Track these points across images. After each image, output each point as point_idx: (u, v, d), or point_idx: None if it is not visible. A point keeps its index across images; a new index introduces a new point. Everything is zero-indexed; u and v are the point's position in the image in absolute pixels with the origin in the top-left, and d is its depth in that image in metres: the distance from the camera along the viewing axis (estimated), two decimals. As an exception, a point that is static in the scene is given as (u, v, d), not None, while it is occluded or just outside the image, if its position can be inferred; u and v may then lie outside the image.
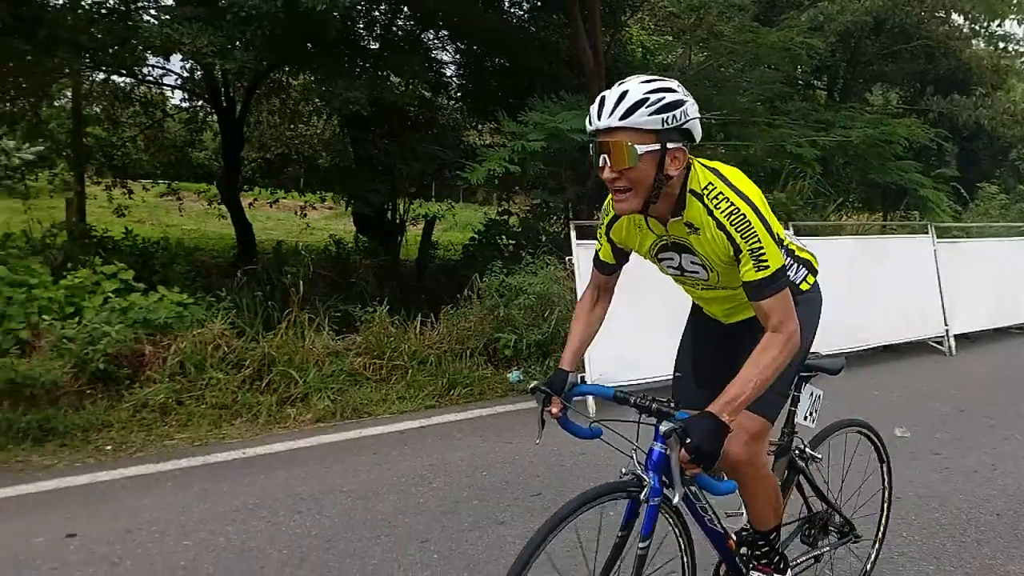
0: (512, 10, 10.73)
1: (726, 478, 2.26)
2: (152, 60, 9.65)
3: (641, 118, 1.89)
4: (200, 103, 12.26)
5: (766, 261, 1.95)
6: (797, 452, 2.57)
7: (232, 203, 11.34)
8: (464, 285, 6.99)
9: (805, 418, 2.53)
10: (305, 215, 13.63)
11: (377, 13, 9.55)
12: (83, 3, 8.65)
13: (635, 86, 1.91)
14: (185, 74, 11.34)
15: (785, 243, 2.18)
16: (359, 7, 8.88)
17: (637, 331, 5.31)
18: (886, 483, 2.97)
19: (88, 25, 7.91)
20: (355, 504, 3.84)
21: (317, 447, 4.71)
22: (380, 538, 3.45)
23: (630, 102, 1.88)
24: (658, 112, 1.89)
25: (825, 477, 2.75)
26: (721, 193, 1.98)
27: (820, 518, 2.68)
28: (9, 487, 3.98)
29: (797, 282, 2.26)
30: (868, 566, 2.94)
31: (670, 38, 12.28)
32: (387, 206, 10.55)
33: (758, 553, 2.36)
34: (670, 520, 2.17)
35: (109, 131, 12.66)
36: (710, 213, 1.98)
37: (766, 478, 2.31)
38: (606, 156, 1.91)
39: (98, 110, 12.57)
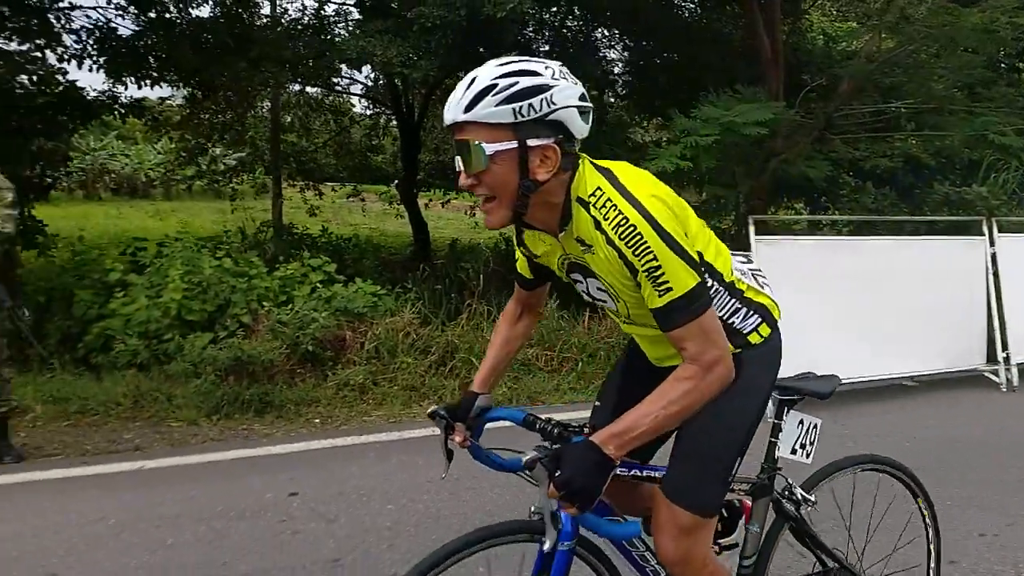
0: (684, 4, 10.61)
1: (628, 518, 1.86)
2: (343, 71, 10.49)
3: (486, 109, 1.52)
4: (381, 110, 13.19)
5: (667, 283, 1.53)
6: (785, 495, 2.10)
7: (410, 203, 12.12)
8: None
9: (794, 451, 2.09)
10: (473, 214, 14.25)
11: (548, 15, 9.82)
12: (282, 21, 9.63)
13: (487, 70, 1.54)
14: (369, 83, 12.25)
15: (736, 284, 1.78)
16: (530, 11, 9.23)
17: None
18: (928, 533, 2.35)
19: (287, 40, 8.79)
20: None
21: (498, 429, 4.98)
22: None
23: (476, 90, 1.52)
24: (508, 101, 1.50)
25: (847, 524, 2.30)
26: (610, 200, 1.56)
27: None
28: (239, 450, 4.57)
29: (745, 331, 1.78)
30: None
31: (854, 24, 11.60)
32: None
33: None
34: (597, 569, 1.84)
35: (302, 138, 13.91)
36: (598, 226, 1.57)
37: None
38: (458, 158, 1.56)
39: (293, 119, 13.85)
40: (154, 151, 18.49)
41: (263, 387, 5.27)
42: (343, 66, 9.10)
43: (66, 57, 7.39)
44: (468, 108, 1.51)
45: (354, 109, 14.55)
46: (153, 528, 3.37)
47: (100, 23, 7.76)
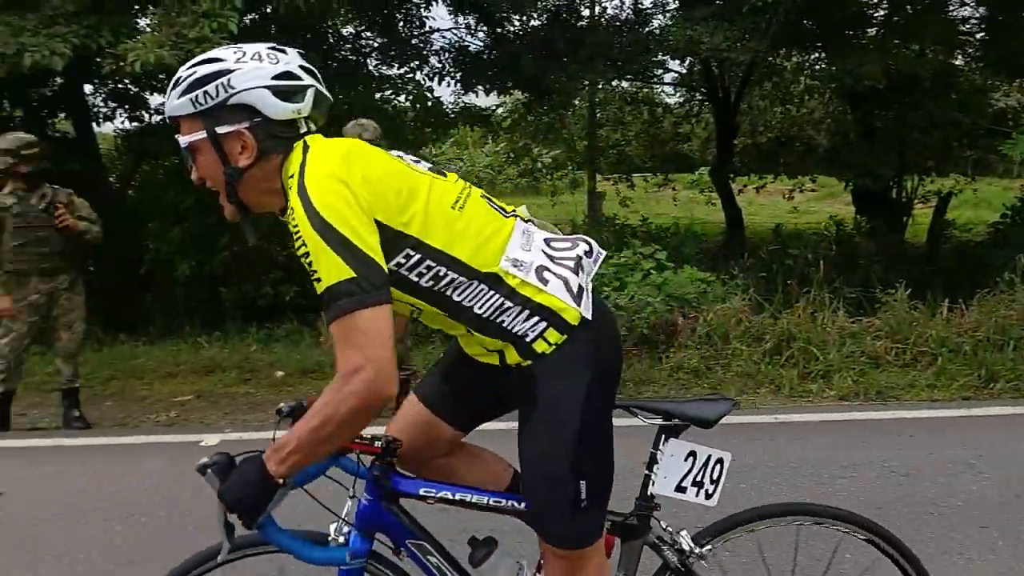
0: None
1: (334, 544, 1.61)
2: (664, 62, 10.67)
3: (173, 103, 1.45)
4: (694, 96, 13.15)
5: (316, 273, 1.34)
6: (667, 544, 1.76)
7: (723, 189, 11.95)
8: (991, 269, 6.25)
9: (681, 489, 1.72)
10: (792, 198, 13.58)
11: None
12: (602, 20, 10.06)
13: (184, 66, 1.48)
14: (683, 71, 12.30)
15: (504, 278, 1.49)
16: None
17: None
18: None
19: (613, 38, 9.19)
20: (898, 479, 3.82)
21: (847, 422, 4.78)
22: (931, 515, 3.40)
23: (171, 87, 1.46)
24: (187, 91, 1.43)
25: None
26: (293, 177, 1.40)
27: None
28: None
29: (527, 338, 1.50)
30: None
31: None
32: (892, 183, 9.88)
33: None
34: None
35: (616, 131, 14.44)
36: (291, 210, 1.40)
37: None
38: None
39: (608, 114, 14.43)
40: (483, 154, 20.60)
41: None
42: (666, 57, 9.27)
43: (431, 76, 8.63)
44: (168, 106, 1.48)
45: (666, 99, 14.70)
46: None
47: (455, 43, 8.90)
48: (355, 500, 1.63)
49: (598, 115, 13.51)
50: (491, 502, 1.65)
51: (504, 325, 1.50)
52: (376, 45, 8.29)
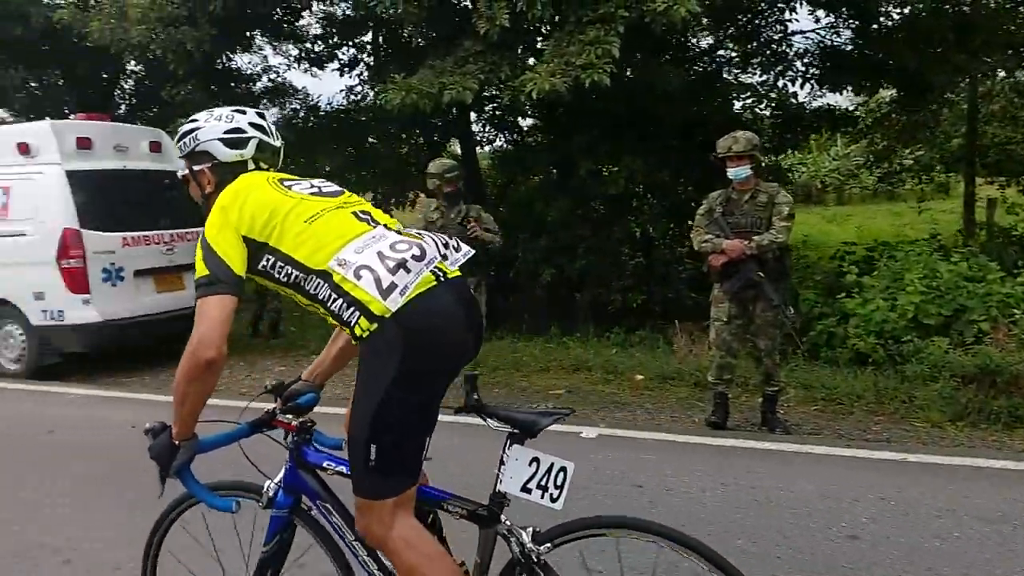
0: None
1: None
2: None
3: (173, 149, 2.19)
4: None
5: (198, 264, 1.84)
6: (513, 537, 1.86)
7: None
8: None
9: (527, 490, 1.86)
10: None
11: None
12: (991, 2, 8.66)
13: None
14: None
15: (331, 274, 1.79)
16: None
17: None
18: None
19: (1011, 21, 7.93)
20: None
21: None
22: None
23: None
24: (177, 140, 2.12)
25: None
26: None
27: None
28: (986, 459, 4.39)
29: (350, 323, 1.78)
30: None
31: None
32: None
33: None
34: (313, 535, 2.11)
35: (1003, 127, 12.42)
36: None
37: (398, 553, 1.83)
38: None
39: (993, 108, 12.49)
40: (828, 157, 19.24)
41: (1011, 400, 4.93)
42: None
43: (792, 80, 8.32)
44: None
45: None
46: (933, 517, 3.53)
47: (818, 43, 8.46)
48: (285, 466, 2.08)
49: (980, 110, 11.81)
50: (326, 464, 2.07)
51: (336, 311, 1.81)
52: (736, 54, 8.24)
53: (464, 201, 5.85)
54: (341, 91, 7.88)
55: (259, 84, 12.86)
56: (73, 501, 4.05)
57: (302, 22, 9.83)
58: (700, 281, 8.43)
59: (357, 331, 1.77)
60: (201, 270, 1.81)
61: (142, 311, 7.25)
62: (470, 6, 7.02)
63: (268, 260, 1.87)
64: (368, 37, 9.19)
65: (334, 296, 1.79)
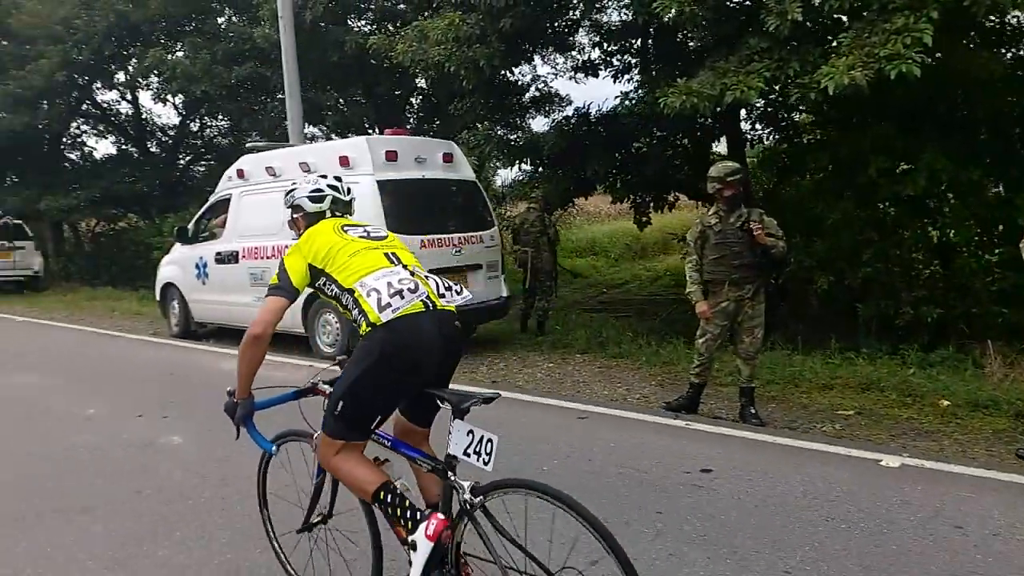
0: None
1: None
2: None
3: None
4: None
5: (274, 275, 2.73)
6: (460, 493, 2.46)
7: None
8: None
9: (467, 455, 2.48)
10: None
11: None
12: None
13: None
14: None
15: (354, 292, 2.60)
16: None
17: None
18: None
19: None
20: None
21: None
22: None
23: None
24: (285, 197, 3.03)
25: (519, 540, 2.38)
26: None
27: None
28: None
29: (359, 325, 2.58)
30: None
31: None
32: None
33: (387, 516, 2.59)
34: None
35: None
36: None
37: (336, 470, 2.68)
38: None
39: None
40: None
41: None
42: None
43: None
44: None
45: None
46: None
47: None
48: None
49: None
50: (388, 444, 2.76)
51: (354, 316, 2.59)
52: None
53: (744, 204, 5.64)
54: (617, 97, 7.92)
55: (527, 95, 13.59)
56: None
57: (578, 35, 10.17)
58: (1015, 295, 7.30)
59: (360, 331, 2.58)
60: (274, 279, 2.70)
61: (432, 306, 7.99)
62: (750, 3, 6.78)
63: (322, 280, 2.69)
64: (640, 42, 9.26)
65: (354, 305, 2.59)
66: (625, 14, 8.13)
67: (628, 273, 16.31)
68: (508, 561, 2.36)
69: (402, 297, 2.52)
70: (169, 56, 14.21)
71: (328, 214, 2.90)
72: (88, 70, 17.69)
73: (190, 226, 10.30)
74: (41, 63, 16.34)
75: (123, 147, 21.96)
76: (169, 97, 19.91)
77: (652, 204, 11.02)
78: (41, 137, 19.16)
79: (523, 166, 10.88)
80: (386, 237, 2.82)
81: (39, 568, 3.46)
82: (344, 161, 7.96)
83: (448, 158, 8.51)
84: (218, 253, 9.44)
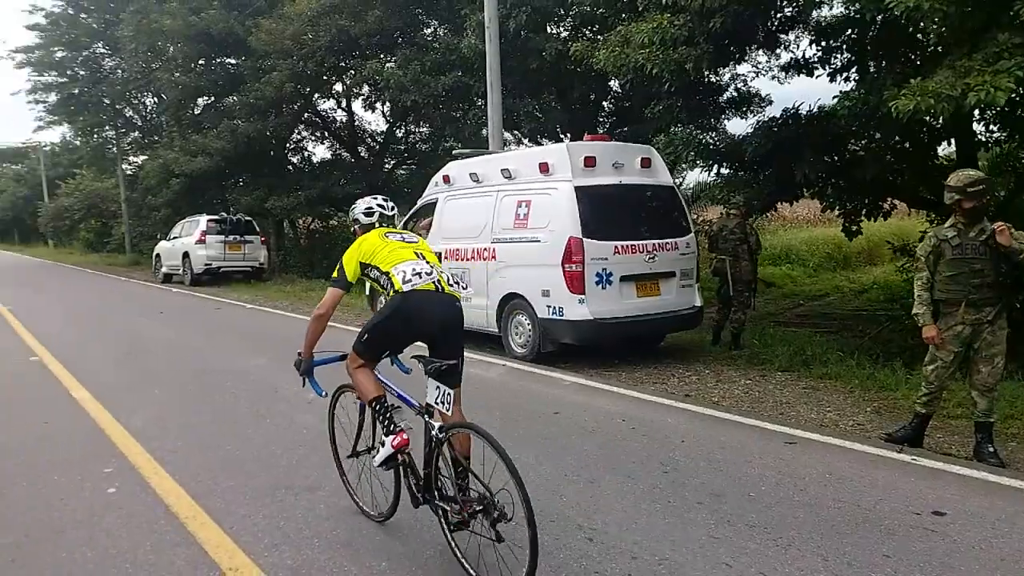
0: None
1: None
2: None
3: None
4: None
5: (336, 270, 3.84)
6: (432, 430, 3.47)
7: None
8: None
9: (437, 402, 3.55)
10: None
11: None
12: None
13: None
14: None
15: (391, 275, 3.68)
16: None
17: None
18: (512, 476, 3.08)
19: None
20: None
21: None
22: None
23: None
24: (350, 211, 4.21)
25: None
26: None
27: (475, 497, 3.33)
28: None
29: (389, 292, 3.70)
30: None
31: None
32: None
33: (375, 418, 3.80)
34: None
35: None
36: None
37: (353, 376, 3.81)
38: None
39: None
40: None
41: None
42: None
43: None
44: None
45: None
46: None
47: None
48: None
49: None
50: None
51: (385, 288, 3.72)
52: None
53: (987, 218, 5.02)
54: (835, 97, 7.32)
55: (725, 95, 13.07)
56: (582, 479, 4.59)
57: (793, 34, 9.61)
58: None
59: (387, 296, 3.68)
60: (335, 273, 3.80)
61: (623, 313, 7.93)
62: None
63: (370, 269, 3.76)
64: (861, 39, 8.55)
65: (387, 282, 3.67)
66: (849, 8, 7.52)
67: (829, 284, 15.19)
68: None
69: (420, 278, 3.66)
70: (383, 67, 15.26)
71: (377, 224, 4.01)
72: (311, 81, 19.50)
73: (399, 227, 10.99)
74: (272, 76, 18.26)
75: (337, 152, 24.00)
76: (377, 105, 21.51)
77: (865, 212, 10.16)
78: (269, 143, 21.37)
79: (721, 170, 10.45)
80: (417, 241, 3.94)
81: (275, 539, 3.84)
82: (544, 168, 8.11)
83: (646, 163, 8.39)
84: (421, 253, 9.98)
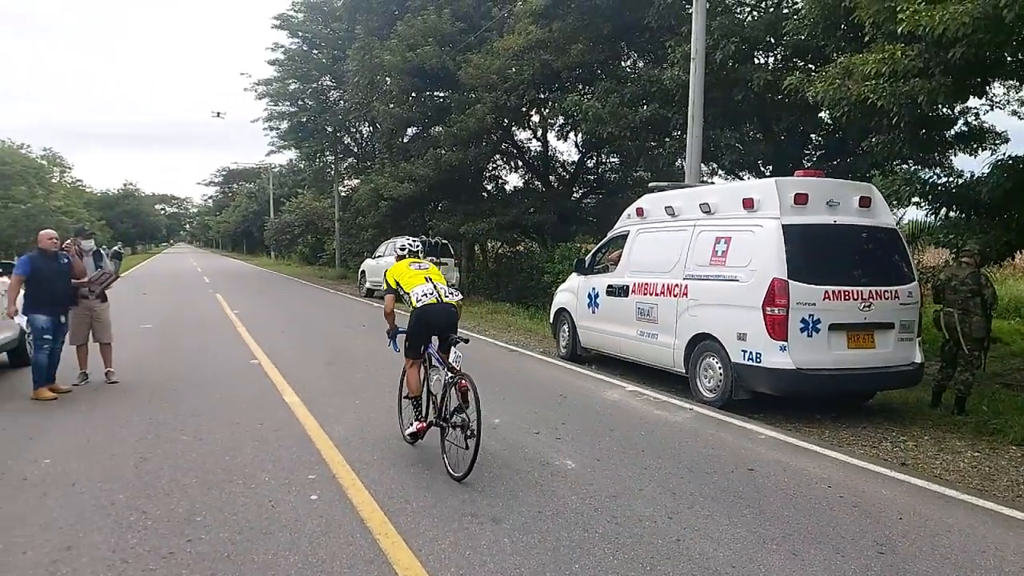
0: None
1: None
2: None
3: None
4: None
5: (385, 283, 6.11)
6: (448, 378, 5.49)
7: None
8: None
9: (453, 360, 5.44)
10: None
11: None
12: None
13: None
14: None
15: (410, 297, 5.77)
16: None
17: None
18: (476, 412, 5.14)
19: None
20: None
21: None
22: None
23: None
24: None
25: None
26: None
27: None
28: None
29: (408, 303, 5.83)
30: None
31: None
32: None
33: (412, 406, 5.99)
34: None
35: None
36: None
37: (407, 373, 5.96)
38: None
39: None
40: None
41: None
42: None
43: None
44: None
45: None
46: None
47: None
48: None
49: None
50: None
51: (406, 301, 5.87)
52: None
53: None
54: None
55: (953, 130, 11.72)
56: (783, 549, 4.17)
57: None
58: None
59: (410, 307, 5.79)
60: (385, 286, 6.05)
61: (831, 364, 7.27)
62: None
63: (398, 287, 5.85)
64: None
65: (407, 297, 5.78)
66: None
67: (1073, 345, 13.03)
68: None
69: (427, 296, 5.71)
70: (582, 100, 15.45)
71: (407, 256, 6.16)
72: (511, 113, 20.19)
73: (587, 258, 10.98)
74: (476, 108, 19.13)
75: (529, 180, 24.63)
76: (571, 135, 21.80)
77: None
78: (468, 171, 22.39)
79: (950, 213, 9.36)
80: (428, 267, 6.00)
81: (461, 569, 3.84)
82: (748, 203, 7.70)
83: (865, 202, 7.70)
84: (610, 286, 9.87)
